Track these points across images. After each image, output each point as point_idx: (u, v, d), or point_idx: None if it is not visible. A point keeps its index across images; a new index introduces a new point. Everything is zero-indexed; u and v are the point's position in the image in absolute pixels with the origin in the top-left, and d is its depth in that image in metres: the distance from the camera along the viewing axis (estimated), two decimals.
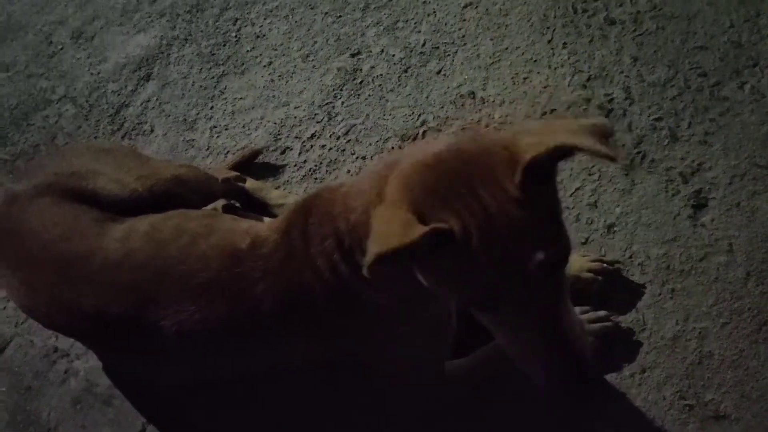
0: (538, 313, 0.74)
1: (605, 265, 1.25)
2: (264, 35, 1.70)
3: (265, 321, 0.95)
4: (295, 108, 1.58)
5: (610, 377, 1.18)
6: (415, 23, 1.64)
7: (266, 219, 1.40)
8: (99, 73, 1.72)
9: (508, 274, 0.71)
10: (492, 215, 0.70)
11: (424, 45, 1.61)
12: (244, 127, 1.58)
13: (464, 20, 1.62)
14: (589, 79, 1.49)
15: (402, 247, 0.66)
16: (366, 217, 0.83)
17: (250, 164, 1.51)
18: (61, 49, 1.78)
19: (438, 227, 0.69)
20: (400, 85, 1.57)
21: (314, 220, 0.92)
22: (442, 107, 1.52)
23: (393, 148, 1.49)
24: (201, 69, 1.68)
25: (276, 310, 0.94)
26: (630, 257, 1.28)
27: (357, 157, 1.50)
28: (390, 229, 0.69)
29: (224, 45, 1.71)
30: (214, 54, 1.70)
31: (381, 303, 0.92)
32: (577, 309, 1.21)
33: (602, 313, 1.21)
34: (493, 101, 1.50)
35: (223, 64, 1.68)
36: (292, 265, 0.93)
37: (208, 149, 1.57)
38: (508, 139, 0.75)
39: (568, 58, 1.52)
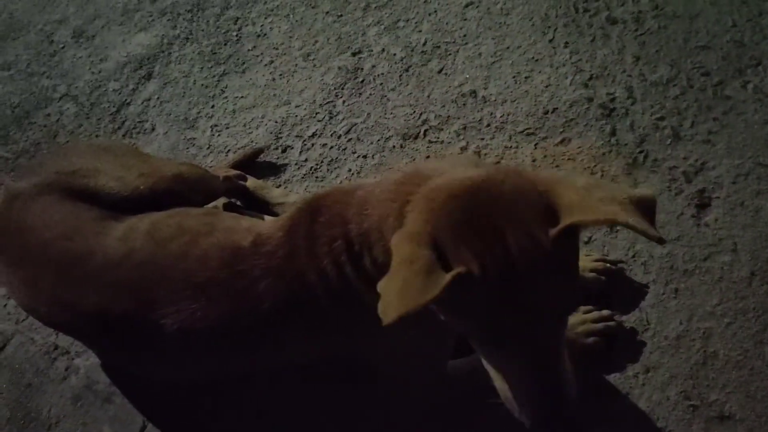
0: (539, 357, 0.74)
1: (608, 264, 1.24)
2: (265, 34, 1.70)
3: (267, 319, 0.94)
4: (296, 107, 1.58)
5: (613, 377, 1.18)
6: (416, 22, 1.64)
7: (267, 217, 1.39)
8: (100, 71, 1.72)
9: (520, 319, 0.71)
10: (515, 262, 0.69)
11: (425, 44, 1.60)
12: (245, 125, 1.58)
13: (465, 19, 1.62)
14: (590, 78, 1.48)
15: (424, 304, 0.65)
16: (381, 225, 0.82)
17: (252, 163, 1.51)
18: (63, 47, 1.78)
19: (460, 272, 0.67)
20: (401, 84, 1.56)
21: (323, 220, 0.91)
22: (444, 106, 1.51)
23: (394, 147, 1.49)
24: (202, 68, 1.68)
25: (278, 308, 0.93)
26: (633, 256, 1.27)
27: (358, 156, 1.49)
28: (410, 275, 0.67)
29: (225, 44, 1.70)
30: (215, 53, 1.70)
31: None
32: (581, 308, 1.20)
33: (605, 312, 1.20)
34: (495, 100, 1.50)
35: (224, 63, 1.68)
36: (295, 264, 0.92)
37: (209, 148, 1.57)
38: (546, 186, 0.74)
39: (570, 58, 1.52)
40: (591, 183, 0.75)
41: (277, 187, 1.47)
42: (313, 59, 1.64)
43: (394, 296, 0.67)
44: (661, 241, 0.68)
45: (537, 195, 0.73)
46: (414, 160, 1.47)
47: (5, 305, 1.44)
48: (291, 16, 1.71)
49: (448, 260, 0.70)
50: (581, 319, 1.19)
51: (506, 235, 0.70)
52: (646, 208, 0.70)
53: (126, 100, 1.67)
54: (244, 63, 1.67)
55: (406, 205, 0.78)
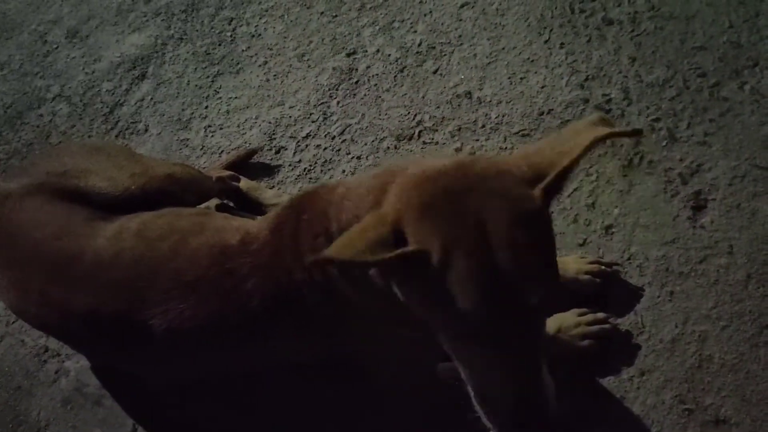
0: (518, 356, 0.70)
1: (603, 267, 1.23)
2: (259, 35, 1.69)
3: (255, 317, 0.94)
4: (290, 107, 1.57)
5: (608, 381, 1.16)
6: (411, 23, 1.63)
7: (259, 218, 1.39)
8: (93, 72, 1.71)
9: (499, 308, 0.66)
10: (491, 241, 0.66)
11: (420, 45, 1.59)
12: (238, 126, 1.57)
13: (461, 20, 1.61)
14: (586, 79, 1.48)
15: (355, 262, 0.64)
16: (358, 220, 0.82)
17: (245, 164, 1.50)
18: (56, 48, 1.77)
19: (406, 253, 0.65)
20: (396, 84, 1.55)
21: (307, 217, 0.91)
22: (439, 107, 1.50)
23: (388, 148, 1.48)
24: (196, 68, 1.67)
25: (266, 306, 0.93)
26: (628, 259, 1.26)
27: (352, 157, 1.48)
28: (358, 238, 0.67)
29: (219, 44, 1.70)
30: (209, 53, 1.69)
31: (369, 304, 0.90)
32: (575, 311, 1.19)
33: (600, 315, 1.19)
34: (490, 101, 1.49)
35: (218, 63, 1.67)
36: (281, 261, 0.92)
37: (202, 149, 1.56)
38: (516, 162, 0.73)
39: (566, 59, 1.51)
40: (549, 139, 0.75)
41: (271, 188, 1.46)
42: (308, 60, 1.63)
43: (333, 246, 0.67)
44: (637, 132, 0.71)
45: (510, 170, 0.72)
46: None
47: None
48: (286, 16, 1.70)
49: (406, 244, 0.68)
50: (576, 322, 1.18)
51: (483, 215, 0.67)
52: (608, 123, 0.73)
53: (119, 100, 1.66)
54: (238, 63, 1.66)
55: (383, 196, 0.77)
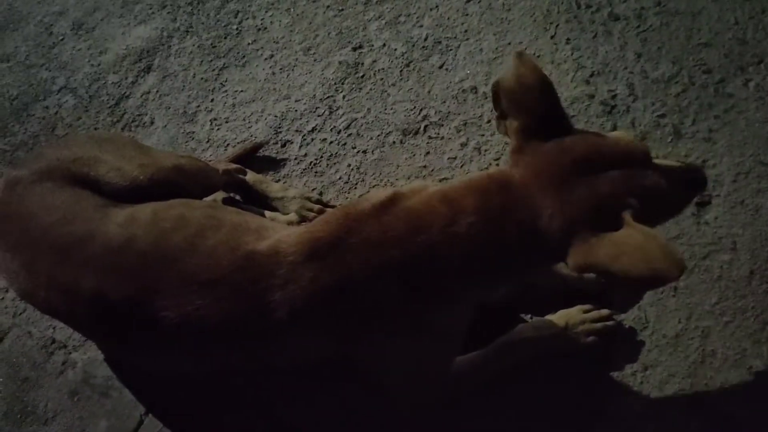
0: None
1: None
2: (265, 28, 1.69)
3: (278, 326, 0.92)
4: (296, 101, 1.57)
5: (612, 376, 1.17)
6: (417, 17, 1.63)
7: (267, 213, 1.39)
8: (99, 64, 1.71)
9: None
10: None
11: (426, 39, 1.59)
12: (244, 119, 1.57)
13: (467, 15, 1.61)
14: (592, 75, 1.48)
15: None
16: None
17: (251, 157, 1.50)
18: (62, 39, 1.77)
19: None
20: (401, 79, 1.55)
21: (359, 242, 0.90)
22: (444, 102, 1.51)
23: (394, 142, 1.48)
24: (202, 61, 1.67)
25: (294, 320, 0.92)
26: None
27: (358, 151, 1.49)
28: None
29: (225, 37, 1.69)
30: (215, 46, 1.69)
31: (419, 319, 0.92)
32: (581, 307, 1.20)
33: (605, 312, 1.20)
34: None
35: (224, 56, 1.67)
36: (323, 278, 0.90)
37: (208, 142, 1.56)
38: None
39: (572, 54, 1.51)
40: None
41: (276, 182, 1.47)
42: (314, 53, 1.63)
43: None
44: None
45: None
46: (413, 156, 1.46)
47: (2, 298, 1.44)
48: (292, 9, 1.70)
49: None
50: (581, 319, 1.19)
51: None
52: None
53: (125, 93, 1.66)
54: (244, 57, 1.66)
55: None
